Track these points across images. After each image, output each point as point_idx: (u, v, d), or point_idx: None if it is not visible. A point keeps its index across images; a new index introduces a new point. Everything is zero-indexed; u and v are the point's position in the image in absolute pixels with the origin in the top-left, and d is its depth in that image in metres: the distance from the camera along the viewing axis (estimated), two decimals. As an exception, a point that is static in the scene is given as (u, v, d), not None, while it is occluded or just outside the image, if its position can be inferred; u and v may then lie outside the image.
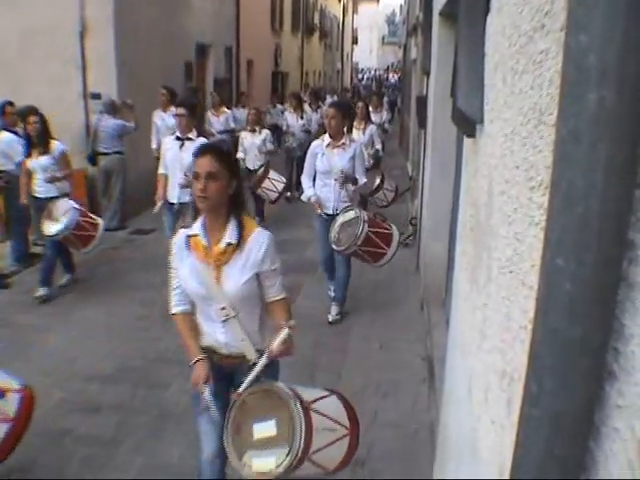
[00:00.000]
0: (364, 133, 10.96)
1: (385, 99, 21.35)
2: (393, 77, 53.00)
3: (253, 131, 11.40)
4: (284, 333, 3.21)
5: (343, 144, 6.85)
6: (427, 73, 7.87)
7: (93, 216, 8.00)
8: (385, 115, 15.89)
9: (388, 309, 7.57)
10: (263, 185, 10.72)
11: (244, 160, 11.14)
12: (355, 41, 60.90)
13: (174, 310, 3.64)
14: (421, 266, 7.89)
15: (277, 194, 10.95)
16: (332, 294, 7.49)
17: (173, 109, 10.04)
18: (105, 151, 11.06)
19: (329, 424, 3.41)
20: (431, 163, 7.06)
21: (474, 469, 2.22)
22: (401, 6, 40.38)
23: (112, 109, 11.03)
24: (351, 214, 6.60)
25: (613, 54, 0.89)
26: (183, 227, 3.57)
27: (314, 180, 7.10)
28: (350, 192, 6.99)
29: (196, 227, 3.41)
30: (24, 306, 7.50)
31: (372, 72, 63.95)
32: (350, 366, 6.09)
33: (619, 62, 0.88)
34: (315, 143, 7.09)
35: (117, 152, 11.11)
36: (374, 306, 7.62)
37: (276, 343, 3.20)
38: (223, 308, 3.33)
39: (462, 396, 2.66)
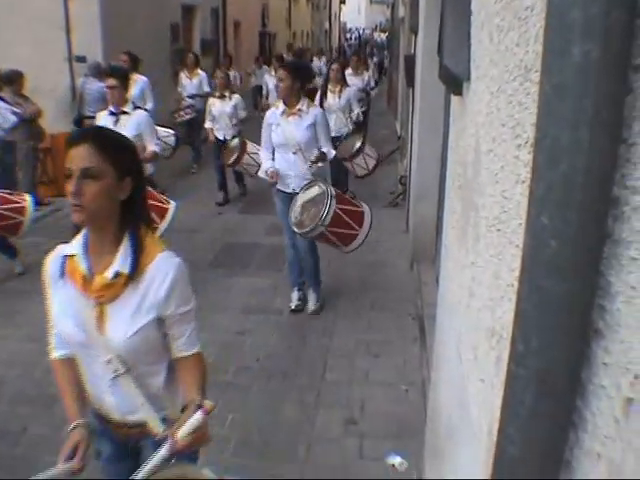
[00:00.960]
0: (340, 97, 9.97)
1: (374, 60, 21.09)
2: (380, 37, 52.44)
3: (222, 97, 10.23)
4: (194, 419, 2.18)
5: (299, 111, 6.04)
6: (415, 32, 7.78)
7: (15, 198, 6.95)
8: (368, 77, 14.79)
9: (378, 269, 7.58)
10: (242, 161, 9.59)
11: (213, 130, 10.39)
12: (343, 1, 60.22)
13: (53, 355, 2.79)
14: (410, 225, 7.89)
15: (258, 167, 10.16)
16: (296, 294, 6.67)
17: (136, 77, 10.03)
18: (91, 114, 10.87)
19: None
20: (419, 122, 7.03)
21: (465, 427, 2.24)
22: (389, -36, 39.86)
23: (98, 72, 10.88)
24: (315, 190, 5.73)
25: (597, 7, 0.87)
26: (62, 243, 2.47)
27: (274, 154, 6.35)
28: (315, 168, 6.14)
29: (75, 244, 2.39)
30: (6, 273, 7.48)
31: (359, 32, 63.27)
32: (341, 326, 6.11)
33: (604, 15, 0.87)
34: (269, 112, 6.31)
35: (103, 116, 11.01)
36: (364, 266, 7.62)
37: (182, 431, 2.14)
38: (109, 362, 2.35)
39: (452, 355, 2.67)
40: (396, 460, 4.17)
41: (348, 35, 62.14)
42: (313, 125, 6.08)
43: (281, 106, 6.09)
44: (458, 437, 2.44)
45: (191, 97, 12.76)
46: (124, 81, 6.66)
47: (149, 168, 6.80)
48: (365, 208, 5.94)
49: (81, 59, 11.46)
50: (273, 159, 6.29)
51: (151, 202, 5.60)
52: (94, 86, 10.76)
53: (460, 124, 2.76)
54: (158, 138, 8.67)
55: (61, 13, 11.46)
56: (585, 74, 0.90)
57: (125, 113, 6.56)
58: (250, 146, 9.60)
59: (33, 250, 7.61)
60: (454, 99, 3.06)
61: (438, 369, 3.49)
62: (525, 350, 1.07)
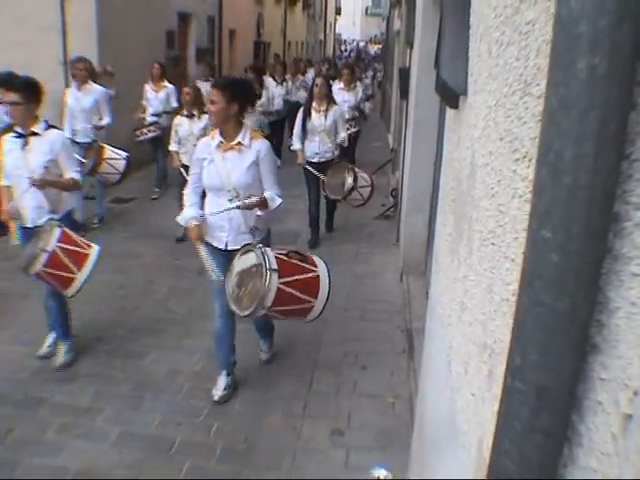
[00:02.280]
0: (326, 117, 8.74)
1: (370, 72, 20.93)
2: (373, 49, 52.65)
3: (190, 116, 8.52)
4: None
5: (239, 145, 4.70)
6: (410, 44, 7.82)
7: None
8: (361, 93, 13.11)
9: (367, 280, 7.57)
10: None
11: (178, 154, 8.66)
12: (338, 12, 60.45)
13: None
14: (401, 238, 7.90)
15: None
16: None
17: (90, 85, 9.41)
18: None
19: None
20: (413, 134, 7.04)
21: (453, 441, 2.23)
22: (385, -23, 40.06)
23: (91, 76, 10.86)
24: (251, 258, 4.38)
25: (606, 21, 0.87)
26: None
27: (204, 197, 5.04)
28: (258, 220, 4.82)
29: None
30: (3, 273, 7.42)
31: (353, 43, 63.46)
32: (329, 337, 6.10)
33: (611, 29, 0.87)
34: (202, 142, 4.96)
35: (96, 119, 10.93)
36: (354, 277, 7.62)
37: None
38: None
39: (441, 368, 2.67)
40: (381, 472, 4.14)
41: (343, 47, 62.23)
42: (256, 165, 4.76)
43: (217, 136, 4.75)
44: (445, 450, 2.43)
45: (156, 114, 11.25)
46: (31, 95, 5.26)
47: (74, 201, 5.88)
48: (320, 268, 4.63)
49: (78, 61, 11.42)
50: (203, 206, 4.95)
51: (68, 247, 5.04)
52: (87, 90, 10.73)
53: (455, 137, 2.76)
54: (101, 161, 8.81)
55: (57, 15, 11.45)
56: (591, 88, 0.90)
57: (35, 134, 5.30)
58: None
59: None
60: (450, 112, 3.06)
61: (426, 382, 3.48)
62: (522, 364, 1.06)
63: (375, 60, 42.51)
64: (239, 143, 4.71)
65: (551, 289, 1.00)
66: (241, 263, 4.47)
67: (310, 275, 4.52)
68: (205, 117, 8.32)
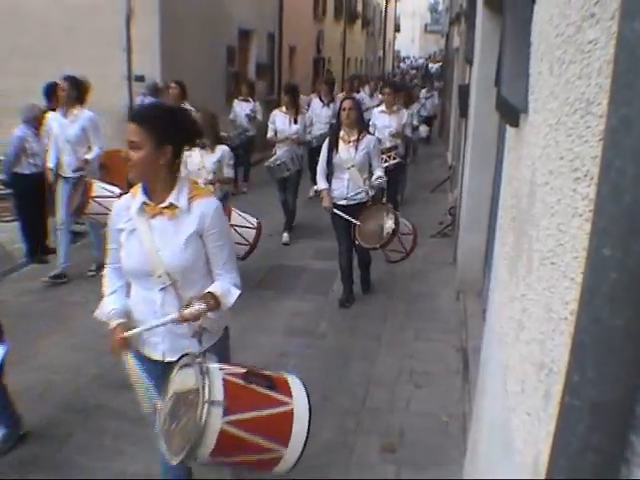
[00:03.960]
0: (356, 149, 7.04)
1: (422, 91, 20.23)
2: (433, 66, 52.42)
3: (202, 146, 7.13)
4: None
5: (171, 208, 3.17)
6: (470, 62, 7.80)
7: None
8: (406, 116, 10.69)
9: (423, 299, 7.55)
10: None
11: None
12: (397, 29, 60.57)
13: None
14: (458, 256, 7.85)
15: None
16: None
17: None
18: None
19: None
20: (471, 152, 7.01)
21: (507, 460, 2.21)
22: (445, -6, 40.06)
23: (155, 91, 11.13)
24: (190, 376, 2.83)
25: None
26: None
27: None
28: (206, 319, 3.13)
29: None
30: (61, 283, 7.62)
31: (415, 60, 63.27)
32: (384, 354, 6.09)
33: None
34: (117, 204, 3.44)
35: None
36: (410, 296, 7.60)
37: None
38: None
39: (497, 387, 2.65)
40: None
41: (402, 64, 62.12)
42: (199, 235, 3.20)
43: (139, 196, 3.21)
44: (500, 469, 2.41)
45: None
46: None
47: None
48: (296, 398, 2.98)
49: (140, 78, 11.74)
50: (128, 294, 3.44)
51: None
52: (151, 105, 10.95)
53: (515, 156, 2.75)
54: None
55: (122, 33, 11.76)
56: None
57: None
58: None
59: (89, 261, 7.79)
60: (510, 130, 3.05)
61: (480, 401, 3.45)
62: (580, 381, 1.06)
63: (434, 78, 42.34)
64: (171, 205, 3.15)
65: (609, 306, 1.00)
66: (178, 381, 2.96)
67: (278, 410, 2.91)
68: (220, 148, 7.37)
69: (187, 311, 3.00)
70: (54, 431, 4.79)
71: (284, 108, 10.17)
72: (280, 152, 9.74)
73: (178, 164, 3.26)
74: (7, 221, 10.21)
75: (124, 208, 3.30)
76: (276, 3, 19.89)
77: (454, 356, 6.04)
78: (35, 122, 8.40)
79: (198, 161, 7.18)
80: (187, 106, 9.56)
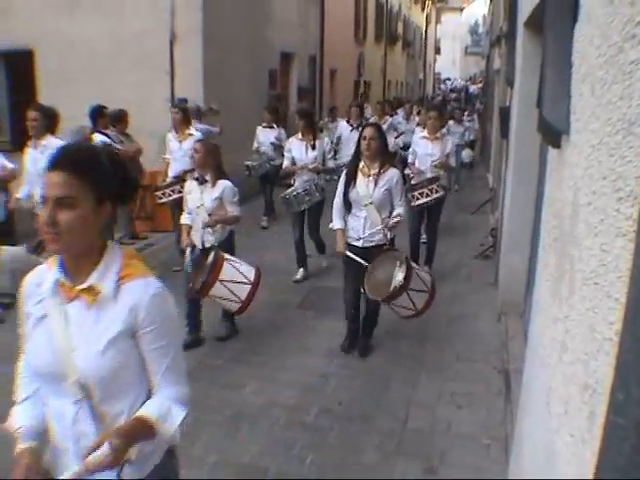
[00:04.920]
0: (376, 184, 6.14)
1: (464, 115, 19.72)
2: (473, 88, 52.23)
3: (202, 181, 6.44)
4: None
5: (90, 292, 2.23)
6: (511, 84, 7.78)
7: None
8: (451, 144, 9.50)
9: (464, 320, 7.50)
10: (211, 292, 6.05)
11: (191, 228, 6.57)
12: (438, 51, 60.63)
13: None
14: (500, 278, 7.79)
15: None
16: None
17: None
18: (190, 153, 11.24)
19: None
20: (513, 174, 6.98)
21: (551, 482, 2.20)
22: (484, 16, 40.07)
23: (197, 114, 11.28)
24: None
25: None
26: None
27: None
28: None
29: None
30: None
31: (457, 82, 63.08)
32: (425, 376, 6.05)
33: None
34: (30, 276, 2.40)
35: (202, 156, 11.23)
36: (450, 317, 7.56)
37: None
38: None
39: (539, 409, 2.63)
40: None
41: (443, 86, 62.00)
42: (129, 333, 2.27)
43: (54, 270, 2.29)
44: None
45: (175, 177, 9.08)
46: None
47: None
48: None
49: (183, 101, 11.90)
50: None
51: None
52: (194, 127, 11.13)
53: (557, 177, 2.75)
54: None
55: (166, 57, 11.97)
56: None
57: None
58: (228, 269, 6.10)
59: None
60: (552, 151, 3.05)
61: (523, 423, 3.42)
62: (625, 400, 1.06)
63: (475, 100, 42.16)
64: (91, 288, 2.25)
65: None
66: None
67: None
68: (221, 184, 6.42)
69: (90, 459, 2.03)
70: None
71: (300, 134, 9.04)
72: (298, 182, 8.95)
73: (111, 227, 2.37)
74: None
75: (34, 284, 2.36)
76: (317, 26, 20.06)
77: (495, 378, 5.98)
78: None
79: (198, 198, 6.42)
80: (192, 131, 9.30)
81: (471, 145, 19.14)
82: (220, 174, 6.47)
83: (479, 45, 53.26)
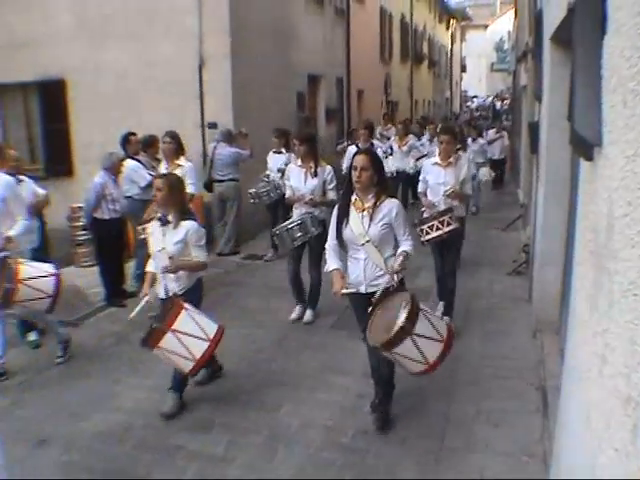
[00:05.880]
0: (371, 219, 5.27)
1: (490, 132, 19.20)
2: (499, 104, 52.04)
3: (164, 222, 5.71)
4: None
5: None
6: (539, 98, 7.76)
7: None
8: (465, 170, 7.72)
9: (499, 337, 7.43)
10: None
11: (151, 279, 5.90)
12: (463, 69, 60.68)
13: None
14: (534, 294, 7.73)
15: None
16: None
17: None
18: (221, 178, 11.41)
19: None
20: (544, 188, 6.94)
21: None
22: (509, 33, 40.08)
23: (228, 138, 11.39)
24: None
25: None
26: None
27: None
28: None
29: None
30: (142, 325, 7.76)
31: (482, 100, 62.92)
32: (461, 394, 6.01)
33: None
34: None
35: (232, 179, 11.48)
36: (485, 334, 7.50)
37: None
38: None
39: (579, 424, 2.61)
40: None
41: (469, 103, 61.96)
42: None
43: None
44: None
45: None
46: None
47: None
48: None
49: (212, 125, 12.05)
50: None
51: None
52: (224, 151, 11.26)
53: (590, 189, 2.74)
54: None
55: (195, 82, 12.12)
56: None
57: None
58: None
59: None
60: (584, 164, 3.04)
61: (561, 440, 3.39)
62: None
63: (502, 116, 41.99)
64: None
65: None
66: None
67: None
68: (185, 225, 5.65)
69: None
70: (134, 471, 4.87)
71: (299, 161, 8.02)
72: (295, 214, 7.99)
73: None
74: (86, 266, 10.55)
75: None
76: (344, 48, 20.21)
77: (532, 395, 5.92)
78: (114, 170, 8.76)
79: (160, 240, 5.70)
80: (182, 162, 8.80)
81: (499, 164, 18.96)
82: (184, 214, 5.75)
83: (505, 62, 53.15)
